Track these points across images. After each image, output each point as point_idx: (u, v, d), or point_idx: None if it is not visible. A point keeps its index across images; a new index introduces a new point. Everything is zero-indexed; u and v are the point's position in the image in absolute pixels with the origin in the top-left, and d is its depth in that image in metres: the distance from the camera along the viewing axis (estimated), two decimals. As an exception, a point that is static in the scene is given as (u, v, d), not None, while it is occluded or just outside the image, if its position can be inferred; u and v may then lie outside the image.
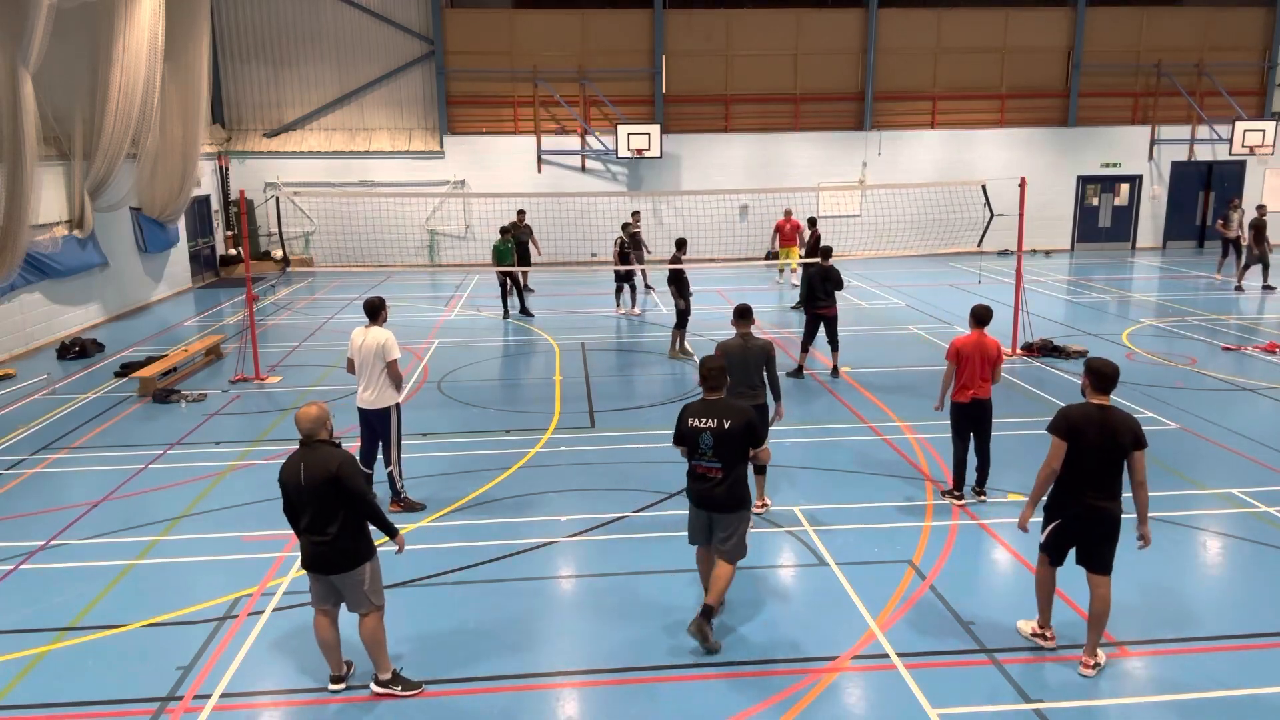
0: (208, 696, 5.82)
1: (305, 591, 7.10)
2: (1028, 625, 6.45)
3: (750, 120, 27.24)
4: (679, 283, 14.98)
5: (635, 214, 20.62)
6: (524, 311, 18.64)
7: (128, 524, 8.47)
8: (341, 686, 5.91)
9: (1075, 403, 6.01)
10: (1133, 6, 27.42)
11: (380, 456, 8.78)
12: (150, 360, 13.99)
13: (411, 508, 8.65)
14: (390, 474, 8.68)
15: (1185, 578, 7.35)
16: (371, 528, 5.72)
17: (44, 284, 16.31)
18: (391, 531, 5.77)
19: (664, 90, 26.47)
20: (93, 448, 10.73)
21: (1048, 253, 27.83)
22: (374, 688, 5.83)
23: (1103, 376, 5.88)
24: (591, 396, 12.58)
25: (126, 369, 13.95)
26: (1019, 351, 14.48)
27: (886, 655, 6.17)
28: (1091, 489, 5.92)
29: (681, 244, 15.68)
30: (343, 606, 5.84)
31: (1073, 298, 20.13)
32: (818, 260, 18.36)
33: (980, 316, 8.85)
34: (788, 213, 22.63)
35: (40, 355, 15.59)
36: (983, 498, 8.73)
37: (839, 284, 13.45)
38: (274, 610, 6.87)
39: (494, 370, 14.71)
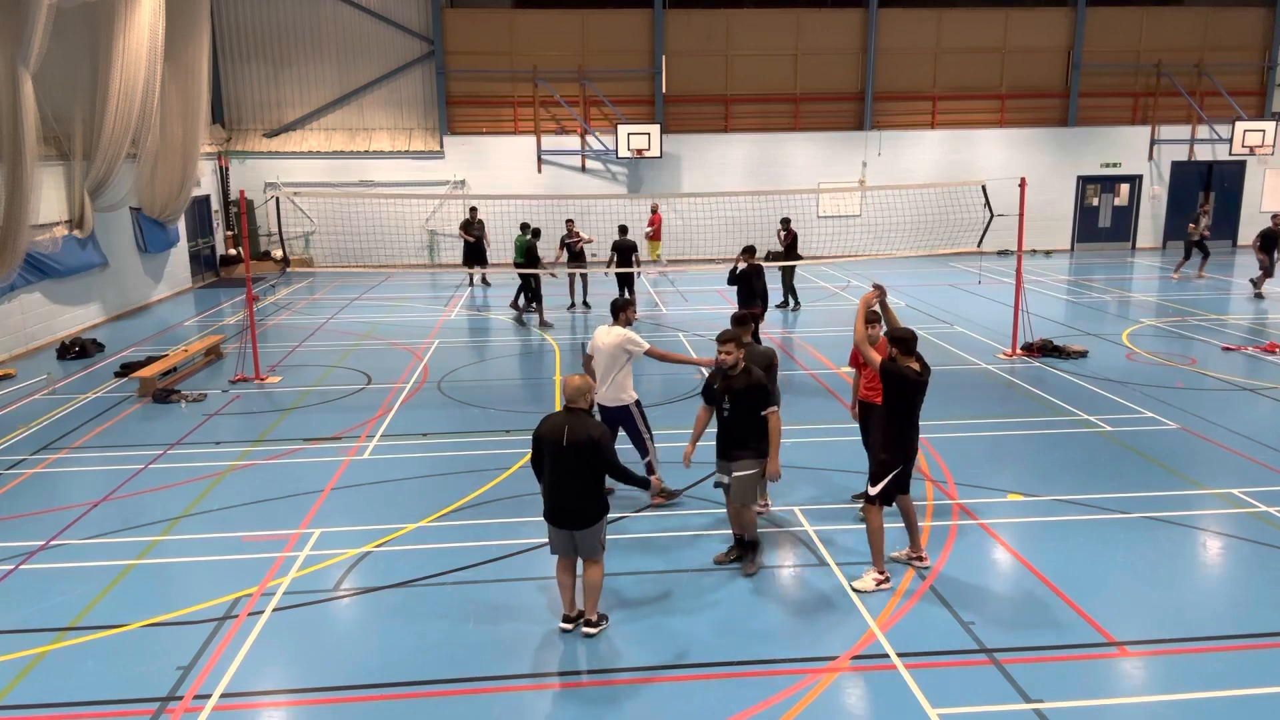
0: (208, 696, 5.82)
1: (305, 591, 7.14)
2: (870, 577, 7.07)
3: (750, 120, 27.26)
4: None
5: (570, 221, 20.04)
6: (514, 306, 18.62)
7: (128, 524, 8.47)
8: (571, 628, 6.49)
9: (893, 366, 6.95)
10: (1133, 6, 27.43)
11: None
12: (150, 360, 13.99)
13: (670, 496, 8.80)
14: (649, 464, 8.76)
15: (1185, 578, 7.35)
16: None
17: (44, 284, 16.31)
18: (644, 482, 6.80)
19: (664, 90, 26.48)
20: (93, 448, 10.73)
21: (1048, 253, 27.84)
22: (586, 630, 6.46)
23: (909, 342, 7.02)
24: (591, 396, 12.56)
25: (126, 369, 13.95)
26: (1019, 351, 14.48)
27: (886, 655, 6.17)
28: (917, 432, 7.12)
29: (623, 230, 18.44)
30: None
31: (1073, 298, 20.13)
32: (794, 264, 18.51)
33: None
34: (654, 208, 22.59)
35: (40, 355, 15.59)
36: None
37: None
38: (274, 610, 6.87)
39: (494, 370, 14.71)
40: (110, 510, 8.83)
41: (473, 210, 21.76)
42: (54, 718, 5.68)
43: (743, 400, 7.15)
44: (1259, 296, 19.48)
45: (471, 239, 21.70)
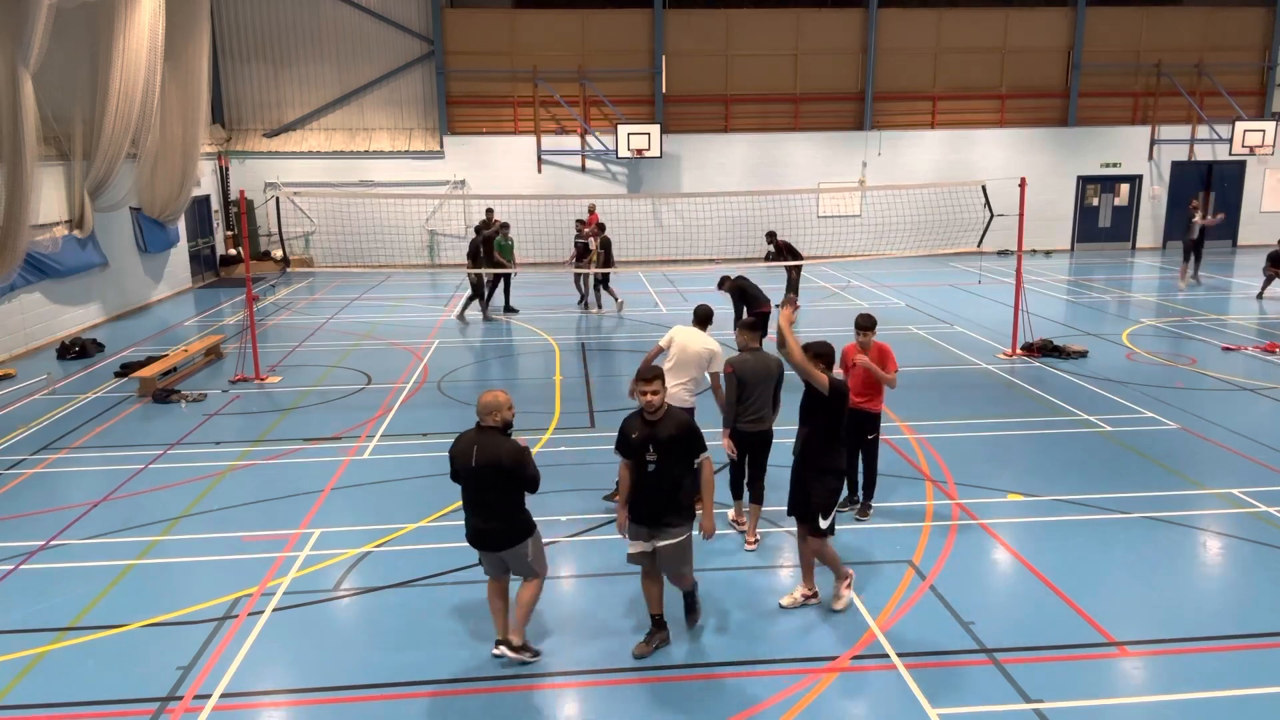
0: (208, 696, 5.82)
1: (305, 591, 7.14)
2: (799, 592, 6.83)
3: (750, 120, 27.26)
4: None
5: (581, 222, 20.15)
6: (508, 309, 18.91)
7: (128, 524, 8.47)
8: (501, 652, 6.12)
9: (840, 381, 6.63)
10: (1133, 6, 27.43)
11: None
12: (150, 360, 13.99)
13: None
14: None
15: (1185, 578, 7.35)
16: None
17: (44, 284, 16.31)
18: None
19: (664, 90, 26.48)
20: (93, 448, 10.73)
21: (1048, 253, 27.83)
22: (503, 651, 6.07)
23: (830, 358, 6.62)
24: (592, 396, 12.58)
25: (126, 369, 13.95)
26: (1019, 351, 14.48)
27: (886, 655, 6.17)
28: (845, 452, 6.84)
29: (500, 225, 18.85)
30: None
31: (1073, 298, 20.13)
32: (799, 263, 18.60)
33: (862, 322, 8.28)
34: (591, 208, 22.61)
35: (40, 355, 15.59)
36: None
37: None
38: (274, 610, 6.87)
39: (494, 370, 14.71)
40: (110, 510, 8.84)
41: (489, 211, 21.48)
42: (54, 718, 5.68)
43: (672, 448, 6.00)
44: (1259, 298, 19.48)
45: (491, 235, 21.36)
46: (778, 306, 18.48)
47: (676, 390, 8.19)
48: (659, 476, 6.03)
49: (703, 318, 8.51)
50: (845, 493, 8.45)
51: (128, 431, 11.35)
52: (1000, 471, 9.57)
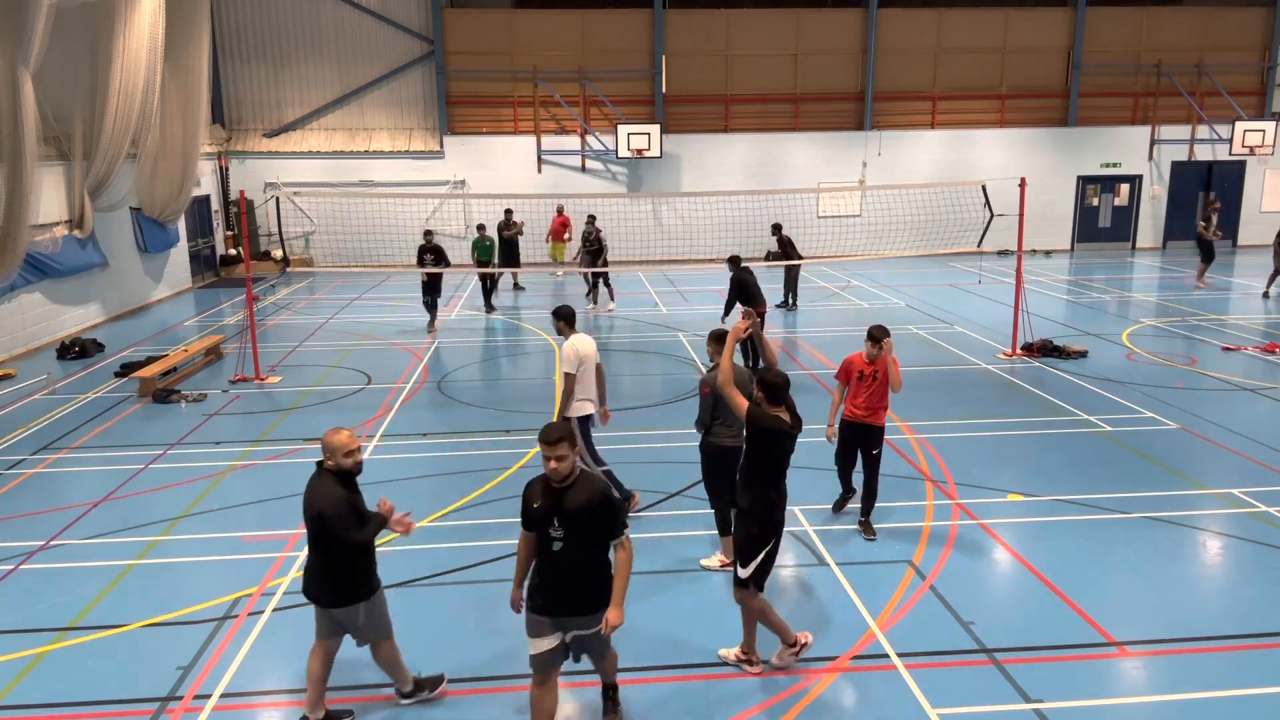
0: (208, 696, 5.82)
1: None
2: (730, 652, 6.15)
3: (750, 120, 27.26)
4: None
5: (591, 218, 20.21)
6: (489, 308, 19.46)
7: (128, 524, 8.47)
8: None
9: (760, 413, 5.77)
10: (1133, 6, 27.43)
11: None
12: (150, 360, 13.99)
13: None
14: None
15: (1185, 578, 7.35)
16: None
17: (44, 284, 16.31)
18: (379, 527, 5.37)
19: (664, 90, 26.48)
20: (93, 448, 10.73)
21: (1048, 253, 27.84)
22: (402, 702, 5.72)
23: (778, 388, 5.80)
24: (591, 396, 12.57)
25: (126, 369, 13.95)
26: (1019, 351, 14.48)
27: (886, 655, 6.17)
28: (784, 498, 5.95)
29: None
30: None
31: (1073, 298, 20.13)
32: (798, 263, 18.58)
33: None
34: (560, 209, 22.52)
35: (40, 355, 15.59)
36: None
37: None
38: (274, 610, 6.87)
39: (494, 370, 14.72)
40: (110, 510, 8.83)
41: (508, 212, 21.28)
42: (54, 718, 5.68)
43: (583, 523, 4.86)
44: (1265, 296, 19.45)
45: (513, 235, 21.05)
46: (776, 306, 18.57)
47: (587, 404, 8.26)
48: (566, 556, 4.89)
49: (568, 316, 8.48)
50: (842, 491, 8.48)
51: (128, 431, 11.35)
52: (1000, 471, 9.57)
